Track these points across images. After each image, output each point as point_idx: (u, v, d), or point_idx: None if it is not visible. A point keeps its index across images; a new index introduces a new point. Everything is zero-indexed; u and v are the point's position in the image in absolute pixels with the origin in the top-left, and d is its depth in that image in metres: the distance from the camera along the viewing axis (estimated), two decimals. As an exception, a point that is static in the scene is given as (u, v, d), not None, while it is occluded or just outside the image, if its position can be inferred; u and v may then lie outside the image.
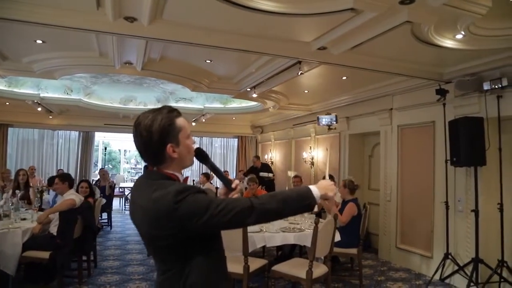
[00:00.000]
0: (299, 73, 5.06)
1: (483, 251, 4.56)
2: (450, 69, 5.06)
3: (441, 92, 5.12)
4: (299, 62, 4.90)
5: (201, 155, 1.68)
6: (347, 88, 6.87)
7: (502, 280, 4.36)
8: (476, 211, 4.57)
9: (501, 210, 4.45)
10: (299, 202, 1.48)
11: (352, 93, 7.09)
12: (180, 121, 1.53)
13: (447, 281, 5.02)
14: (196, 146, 1.64)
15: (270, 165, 10.72)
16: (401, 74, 5.21)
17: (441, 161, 5.27)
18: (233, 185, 1.68)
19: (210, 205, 1.37)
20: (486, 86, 4.56)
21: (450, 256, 4.99)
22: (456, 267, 4.88)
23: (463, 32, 3.57)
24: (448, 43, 3.89)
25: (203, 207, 1.37)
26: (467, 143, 4.55)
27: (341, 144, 7.97)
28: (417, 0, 2.98)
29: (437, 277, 5.03)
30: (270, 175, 9.10)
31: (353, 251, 5.05)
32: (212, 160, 1.71)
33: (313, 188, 1.50)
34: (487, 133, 4.57)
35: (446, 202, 5.14)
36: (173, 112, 1.52)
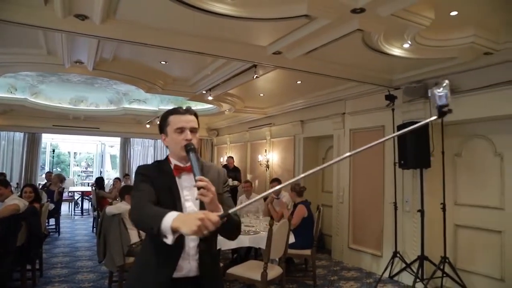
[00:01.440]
0: (254, 77, 5.11)
1: (428, 249, 4.82)
2: (398, 76, 5.32)
3: (390, 98, 5.37)
4: (255, 66, 4.96)
5: (186, 150, 1.80)
6: (302, 92, 7.02)
7: (444, 275, 4.63)
8: (421, 211, 4.82)
9: (443, 210, 4.72)
10: (148, 224, 1.53)
11: (307, 97, 7.25)
12: (172, 117, 1.87)
13: (395, 278, 5.26)
14: (186, 142, 1.81)
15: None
16: (353, 80, 5.41)
17: (390, 163, 5.52)
18: (197, 178, 1.63)
19: (133, 191, 1.81)
20: (430, 93, 4.82)
21: (398, 255, 5.22)
22: (403, 265, 5.12)
23: (409, 42, 3.77)
24: (396, 51, 4.09)
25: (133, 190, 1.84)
26: (414, 147, 4.80)
27: (295, 147, 8.11)
28: (368, 10, 3.11)
29: (386, 275, 5.26)
30: (235, 182, 9.05)
31: (307, 252, 5.15)
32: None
33: (169, 217, 1.46)
34: (431, 137, 4.85)
35: (395, 203, 5.39)
36: (175, 110, 1.89)
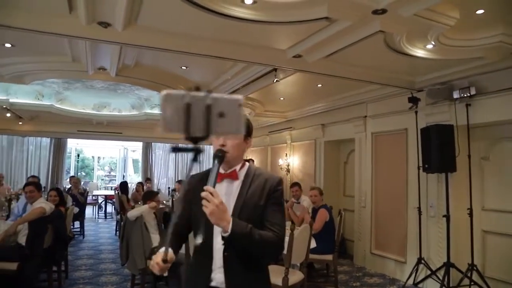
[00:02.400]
0: (274, 81, 5.10)
1: (454, 255, 4.68)
2: (421, 77, 5.21)
3: (413, 100, 5.26)
4: (275, 70, 4.95)
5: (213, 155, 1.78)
6: (323, 95, 6.96)
7: (472, 283, 4.48)
8: (447, 216, 4.68)
9: (470, 215, 4.58)
10: None
11: (327, 100, 7.19)
12: None
13: (420, 285, 5.12)
14: (218, 148, 1.77)
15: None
16: (375, 82, 5.33)
17: (414, 167, 5.40)
18: (205, 188, 1.60)
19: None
20: (455, 95, 4.71)
21: (423, 261, 5.09)
22: (428, 272, 4.98)
23: (433, 42, 3.68)
24: (419, 52, 4.01)
25: None
26: (438, 150, 4.68)
27: (316, 151, 8.04)
28: (389, 11, 3.05)
29: (410, 281, 5.12)
30: None
31: (329, 257, 5.08)
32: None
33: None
34: (457, 140, 4.72)
35: (419, 208, 5.26)
36: None
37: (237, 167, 1.83)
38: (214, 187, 1.59)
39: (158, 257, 1.58)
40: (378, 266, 6.06)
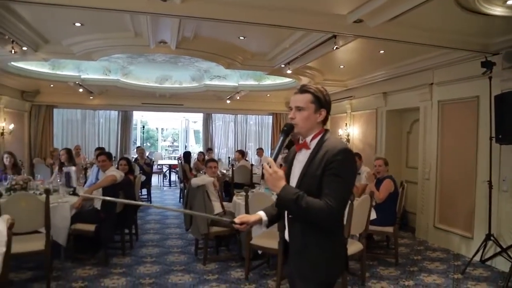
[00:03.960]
0: (334, 48, 4.91)
1: (528, 232, 4.37)
2: (498, 39, 4.74)
3: (487, 65, 4.82)
4: (334, 36, 4.75)
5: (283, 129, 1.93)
6: (385, 62, 6.63)
7: (548, 261, 4.18)
8: (522, 190, 4.35)
9: (549, 189, 4.21)
10: None
11: (390, 67, 6.84)
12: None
13: (488, 263, 4.86)
14: (288, 121, 1.95)
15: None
16: (443, 47, 4.95)
17: (485, 138, 5.01)
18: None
19: None
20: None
21: (492, 238, 4.79)
22: (498, 249, 4.70)
23: (513, -1, 3.32)
24: (498, 10, 3.63)
25: None
26: (514, 119, 4.30)
27: (377, 120, 7.77)
28: (462, -34, 2.79)
29: (477, 258, 4.87)
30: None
31: (389, 229, 4.98)
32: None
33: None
34: (536, 107, 4.29)
35: (490, 182, 4.91)
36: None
37: (309, 138, 1.90)
38: (276, 158, 1.82)
39: (243, 218, 2.02)
40: (442, 241, 5.84)
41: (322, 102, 1.89)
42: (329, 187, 1.75)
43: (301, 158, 1.92)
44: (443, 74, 5.91)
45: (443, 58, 5.62)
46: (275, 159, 1.82)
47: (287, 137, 1.89)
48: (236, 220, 2.00)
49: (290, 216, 1.92)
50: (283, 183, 1.78)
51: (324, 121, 1.93)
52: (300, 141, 1.96)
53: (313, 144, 1.89)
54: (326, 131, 1.93)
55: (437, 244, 5.87)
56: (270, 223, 2.09)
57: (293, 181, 1.92)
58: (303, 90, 1.91)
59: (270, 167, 1.78)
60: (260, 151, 10.65)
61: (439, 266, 4.90)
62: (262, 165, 1.83)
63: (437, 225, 5.96)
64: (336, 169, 1.75)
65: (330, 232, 1.87)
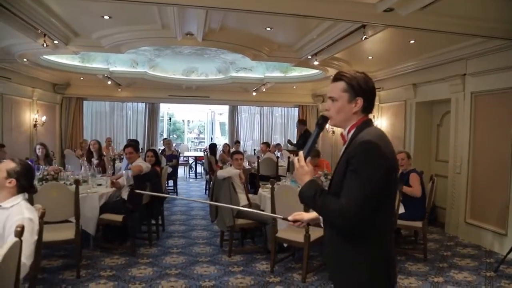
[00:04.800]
0: (363, 38, 4.79)
1: None
2: (537, 27, 4.50)
3: (525, 54, 4.60)
4: (363, 26, 4.63)
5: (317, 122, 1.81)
6: (415, 52, 6.42)
7: None
8: (561, 186, 4.14)
9: None
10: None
11: (420, 58, 6.62)
12: None
13: (523, 260, 4.68)
14: (322, 113, 1.83)
15: (331, 134, 10.66)
16: (478, 35, 4.74)
17: (522, 130, 4.80)
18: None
19: None
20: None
21: (528, 234, 4.61)
22: (534, 246, 4.51)
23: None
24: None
25: None
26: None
27: (406, 112, 7.56)
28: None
29: (511, 256, 4.69)
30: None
31: (418, 224, 4.86)
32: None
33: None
34: None
35: (526, 176, 4.71)
36: None
37: (345, 131, 1.73)
38: (308, 153, 1.72)
39: (297, 215, 1.96)
40: (473, 237, 5.65)
41: (357, 90, 1.65)
42: (346, 185, 1.54)
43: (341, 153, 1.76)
44: (476, 64, 5.66)
45: (477, 47, 5.38)
46: (306, 155, 1.72)
47: (321, 130, 1.78)
48: (290, 217, 1.94)
49: None
50: (307, 178, 1.68)
51: (365, 111, 1.69)
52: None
53: (349, 137, 1.70)
54: (366, 121, 1.68)
55: (467, 240, 5.68)
56: None
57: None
58: (336, 77, 1.71)
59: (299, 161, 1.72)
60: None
61: (470, 263, 4.75)
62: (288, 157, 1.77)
63: (468, 221, 5.76)
64: (354, 164, 1.53)
65: (362, 241, 1.59)
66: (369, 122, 1.69)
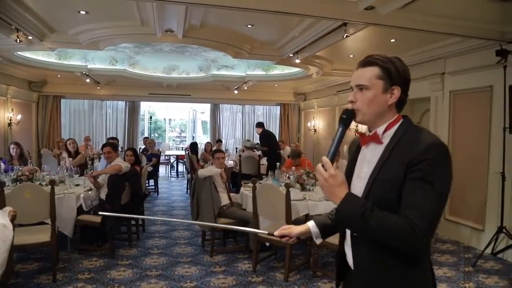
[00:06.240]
0: (344, 36, 4.79)
1: (542, 225, 4.26)
2: (513, 27, 4.59)
3: (502, 53, 4.66)
4: (345, 24, 4.63)
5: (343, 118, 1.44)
6: (396, 51, 6.43)
7: None
8: (537, 183, 4.23)
9: None
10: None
11: (401, 56, 6.24)
12: None
13: (499, 255, 4.77)
14: (349, 106, 1.45)
15: (313, 132, 10.64)
16: (457, 35, 4.81)
17: (499, 129, 4.88)
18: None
19: None
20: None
21: (504, 230, 4.70)
22: (511, 242, 4.61)
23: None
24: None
25: None
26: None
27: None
28: None
29: (488, 251, 4.79)
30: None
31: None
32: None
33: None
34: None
35: (503, 173, 4.79)
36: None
37: (381, 128, 1.40)
38: (333, 157, 1.35)
39: (284, 230, 1.69)
40: (452, 233, 5.74)
41: (395, 77, 1.37)
42: (414, 197, 1.24)
43: (369, 156, 1.42)
44: (455, 63, 5.75)
45: (456, 46, 5.47)
46: (332, 159, 1.34)
47: (347, 128, 1.41)
48: (276, 233, 1.67)
49: (354, 234, 1.43)
50: (344, 191, 1.32)
51: (400, 104, 1.41)
52: (367, 133, 1.47)
53: (387, 137, 1.38)
54: (405, 118, 1.41)
55: (447, 236, 5.78)
56: (324, 235, 1.70)
57: (357, 187, 1.42)
58: (366, 61, 1.42)
59: (325, 169, 1.32)
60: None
61: (449, 259, 4.82)
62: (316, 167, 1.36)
63: (447, 217, 5.85)
64: (425, 171, 1.23)
65: (412, 260, 1.33)
66: (408, 120, 1.41)
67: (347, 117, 1.41)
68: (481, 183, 5.26)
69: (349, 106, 1.45)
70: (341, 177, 1.33)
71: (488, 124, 5.16)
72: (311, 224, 1.70)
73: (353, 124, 1.55)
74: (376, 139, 1.40)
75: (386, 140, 1.37)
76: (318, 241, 1.71)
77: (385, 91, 1.37)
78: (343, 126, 1.40)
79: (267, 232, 1.73)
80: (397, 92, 1.37)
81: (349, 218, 1.31)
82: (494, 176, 5.02)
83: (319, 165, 1.34)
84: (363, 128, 1.48)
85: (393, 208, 1.26)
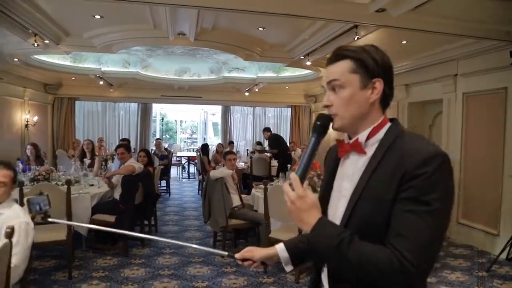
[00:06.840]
0: (355, 39, 4.80)
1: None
2: (527, 28, 4.54)
3: (516, 55, 4.64)
4: (356, 27, 4.65)
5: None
6: (407, 53, 6.45)
7: None
8: (551, 185, 4.18)
9: None
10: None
11: (412, 58, 6.66)
12: None
13: (514, 259, 4.72)
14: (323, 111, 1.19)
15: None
16: (470, 36, 4.77)
17: (513, 130, 4.85)
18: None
19: None
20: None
21: (519, 234, 4.65)
22: (526, 245, 4.55)
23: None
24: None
25: None
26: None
27: (399, 113, 7.59)
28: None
29: (503, 256, 4.72)
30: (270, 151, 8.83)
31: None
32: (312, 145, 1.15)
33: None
34: None
35: (517, 175, 4.75)
36: None
37: (362, 135, 1.13)
38: (304, 173, 1.09)
39: (246, 253, 1.39)
40: (465, 237, 5.68)
41: (372, 68, 1.11)
42: (405, 222, 0.98)
43: (350, 169, 1.15)
44: (468, 65, 5.70)
45: (469, 48, 5.42)
46: (302, 176, 1.09)
47: (322, 138, 1.13)
48: (237, 255, 1.37)
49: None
50: (315, 216, 1.06)
51: (384, 101, 1.16)
52: (347, 140, 1.18)
53: (371, 146, 1.12)
54: (394, 121, 1.16)
55: (459, 241, 5.72)
56: (296, 261, 1.36)
57: (336, 208, 1.16)
58: (335, 55, 1.14)
59: (293, 189, 1.07)
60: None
61: (462, 263, 4.78)
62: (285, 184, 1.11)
63: (460, 221, 5.80)
64: (420, 189, 0.97)
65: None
66: (397, 124, 1.16)
67: (322, 123, 1.14)
68: (496, 186, 5.19)
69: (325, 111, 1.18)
70: (312, 198, 1.07)
71: (503, 126, 5.10)
72: (279, 247, 1.37)
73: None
74: (357, 148, 1.13)
75: (370, 149, 1.11)
76: (288, 268, 1.37)
77: (364, 87, 1.11)
78: (316, 135, 1.13)
79: (226, 253, 1.41)
80: (379, 85, 1.12)
81: (321, 249, 1.05)
82: (508, 179, 4.96)
83: (285, 184, 1.09)
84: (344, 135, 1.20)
85: (381, 235, 1.01)
